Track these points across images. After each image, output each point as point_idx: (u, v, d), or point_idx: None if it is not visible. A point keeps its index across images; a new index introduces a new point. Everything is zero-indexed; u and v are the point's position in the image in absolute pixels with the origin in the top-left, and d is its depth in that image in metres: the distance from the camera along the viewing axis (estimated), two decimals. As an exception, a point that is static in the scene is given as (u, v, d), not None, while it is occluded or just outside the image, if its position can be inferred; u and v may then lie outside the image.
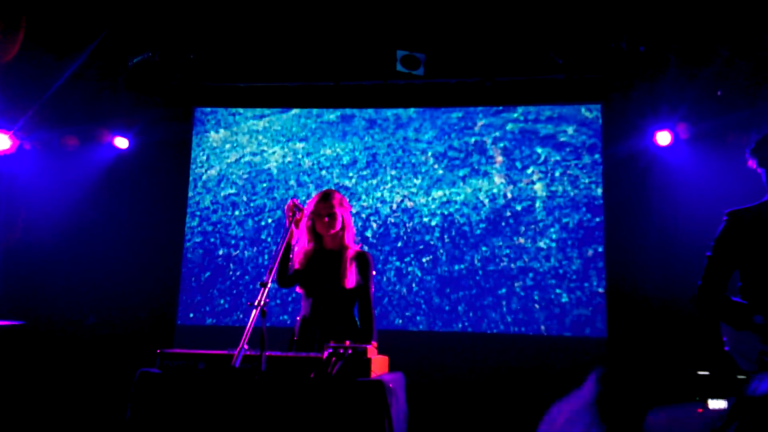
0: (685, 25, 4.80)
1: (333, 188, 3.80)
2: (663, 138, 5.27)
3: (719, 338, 2.63)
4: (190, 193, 5.97)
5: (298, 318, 3.30)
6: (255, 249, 5.80)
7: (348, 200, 3.39)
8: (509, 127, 5.68)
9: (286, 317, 5.58)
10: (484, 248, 5.53)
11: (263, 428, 2.56)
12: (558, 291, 5.39)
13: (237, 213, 5.90)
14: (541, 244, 5.47)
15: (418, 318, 5.52)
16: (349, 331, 3.16)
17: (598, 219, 5.44)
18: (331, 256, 3.24)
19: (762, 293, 2.56)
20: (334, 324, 3.16)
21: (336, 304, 3.20)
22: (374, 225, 5.69)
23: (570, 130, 5.60)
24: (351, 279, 3.18)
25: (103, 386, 5.40)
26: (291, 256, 3.18)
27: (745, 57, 4.89)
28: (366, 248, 3.31)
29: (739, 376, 4.07)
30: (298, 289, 3.31)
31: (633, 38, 4.94)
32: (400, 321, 5.53)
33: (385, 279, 5.60)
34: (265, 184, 5.90)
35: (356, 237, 3.36)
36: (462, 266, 5.53)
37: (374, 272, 3.32)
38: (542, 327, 5.35)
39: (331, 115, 5.93)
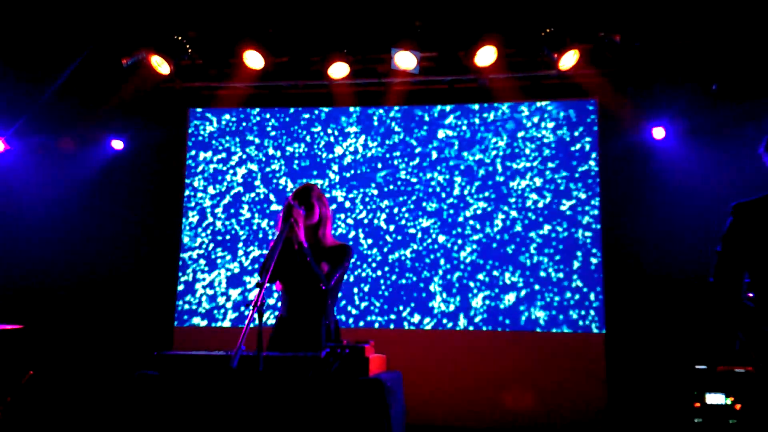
0: (679, 20, 4.80)
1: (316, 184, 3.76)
2: (658, 132, 5.31)
3: (716, 334, 2.58)
4: (186, 194, 5.96)
5: (277, 316, 3.28)
6: (251, 249, 5.79)
7: (327, 197, 3.35)
8: (505, 122, 5.67)
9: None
10: (480, 246, 5.53)
11: (262, 429, 2.56)
12: (556, 288, 5.39)
13: (233, 214, 5.88)
14: (538, 240, 5.48)
15: (415, 317, 5.52)
16: (326, 332, 3.13)
17: (595, 212, 5.44)
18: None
19: None
20: (309, 323, 3.13)
21: (311, 299, 3.16)
22: (366, 227, 5.70)
23: (565, 125, 5.60)
24: (323, 265, 3.10)
25: (101, 389, 5.39)
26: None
27: (740, 50, 4.89)
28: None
29: (737, 370, 4.08)
30: (277, 286, 3.29)
31: (628, 33, 4.93)
32: (393, 318, 5.53)
33: (384, 278, 5.60)
34: (260, 185, 5.89)
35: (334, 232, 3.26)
36: (460, 264, 5.53)
37: (347, 264, 3.22)
38: (540, 324, 5.35)
39: (325, 115, 5.92)
